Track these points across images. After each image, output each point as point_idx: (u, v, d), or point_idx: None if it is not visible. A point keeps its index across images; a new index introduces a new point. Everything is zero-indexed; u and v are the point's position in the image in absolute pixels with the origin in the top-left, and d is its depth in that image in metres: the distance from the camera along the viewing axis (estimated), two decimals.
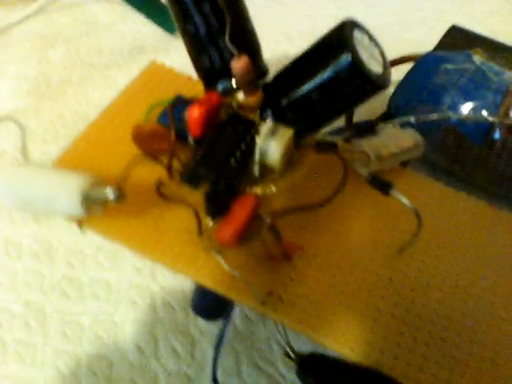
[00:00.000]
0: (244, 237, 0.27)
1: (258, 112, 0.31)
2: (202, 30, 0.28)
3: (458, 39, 0.50)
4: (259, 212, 0.27)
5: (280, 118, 0.30)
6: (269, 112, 0.30)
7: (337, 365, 0.27)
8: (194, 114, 0.28)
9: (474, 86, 0.39)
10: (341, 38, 0.26)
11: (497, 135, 0.38)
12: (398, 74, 0.45)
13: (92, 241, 0.43)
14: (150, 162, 0.29)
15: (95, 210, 0.23)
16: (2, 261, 0.43)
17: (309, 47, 0.29)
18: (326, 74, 0.27)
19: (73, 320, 0.39)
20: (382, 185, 0.28)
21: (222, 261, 0.26)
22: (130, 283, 0.41)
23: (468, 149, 0.40)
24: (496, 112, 0.38)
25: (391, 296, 0.28)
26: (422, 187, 0.34)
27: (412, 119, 0.30)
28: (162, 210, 0.28)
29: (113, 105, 0.33)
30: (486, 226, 0.33)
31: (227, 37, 0.27)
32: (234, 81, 0.29)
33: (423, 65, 0.43)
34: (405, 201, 0.27)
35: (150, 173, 0.29)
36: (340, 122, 0.35)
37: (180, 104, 0.31)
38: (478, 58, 0.42)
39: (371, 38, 0.28)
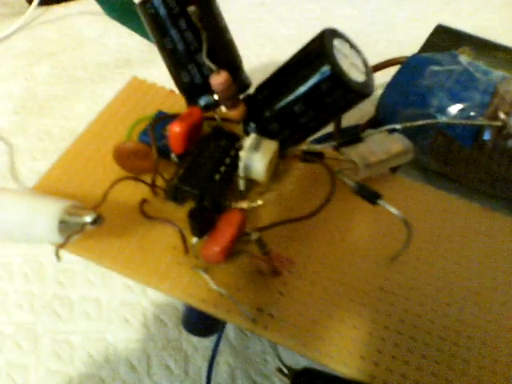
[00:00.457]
0: (231, 253, 0.27)
1: (242, 125, 0.30)
2: (180, 46, 0.27)
3: (444, 39, 0.49)
4: (246, 227, 0.27)
5: (264, 130, 0.29)
6: (252, 125, 0.29)
7: (331, 380, 0.26)
8: (175, 130, 0.28)
9: (462, 87, 0.39)
10: (320, 48, 0.26)
11: (487, 136, 0.38)
12: (386, 76, 0.45)
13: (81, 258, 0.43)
14: (133, 182, 0.28)
15: (73, 234, 0.23)
16: None
17: (290, 58, 0.29)
18: (307, 85, 0.26)
19: (64, 339, 0.39)
20: (369, 195, 0.27)
21: (208, 279, 0.25)
22: (120, 301, 0.40)
23: (458, 151, 0.40)
24: (484, 113, 0.37)
25: (384, 306, 0.28)
26: (412, 192, 0.34)
27: (398, 126, 0.30)
28: (147, 230, 0.28)
29: (92, 124, 0.32)
30: (481, 229, 0.33)
31: (204, 53, 0.27)
32: (215, 95, 0.29)
33: (409, 67, 0.42)
34: (393, 210, 0.27)
35: (134, 192, 0.29)
36: (328, 127, 0.34)
37: (161, 120, 0.30)
38: (464, 58, 0.42)
39: (352, 45, 0.28)
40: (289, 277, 0.28)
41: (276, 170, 0.30)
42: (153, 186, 0.28)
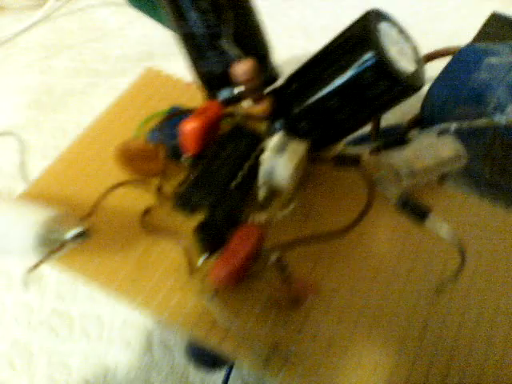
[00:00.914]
0: (244, 277, 0.22)
1: (267, 122, 0.26)
2: (200, 30, 0.23)
3: (499, 28, 0.44)
4: (263, 246, 0.23)
5: (292, 129, 0.25)
6: (279, 122, 0.25)
7: None
8: (187, 127, 0.24)
9: None
10: (364, 32, 0.21)
11: None
12: (431, 71, 0.39)
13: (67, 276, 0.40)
14: (135, 187, 0.24)
15: (56, 251, 0.19)
16: None
17: (326, 44, 0.24)
18: (345, 76, 0.21)
19: (60, 361, 0.36)
20: (415, 213, 0.22)
21: (214, 309, 0.21)
22: (124, 320, 0.37)
23: None
24: None
25: (426, 348, 0.23)
26: (464, 207, 0.29)
27: (453, 126, 0.25)
28: (148, 245, 0.24)
29: (98, 121, 0.29)
30: None
31: (230, 37, 0.23)
32: (237, 88, 0.25)
33: (462, 59, 0.37)
34: (445, 234, 0.21)
35: (137, 198, 0.25)
36: (365, 128, 0.29)
37: (174, 117, 0.26)
38: None
39: (401, 30, 0.23)
40: (312, 309, 0.23)
41: (303, 177, 0.26)
42: (159, 190, 0.25)
